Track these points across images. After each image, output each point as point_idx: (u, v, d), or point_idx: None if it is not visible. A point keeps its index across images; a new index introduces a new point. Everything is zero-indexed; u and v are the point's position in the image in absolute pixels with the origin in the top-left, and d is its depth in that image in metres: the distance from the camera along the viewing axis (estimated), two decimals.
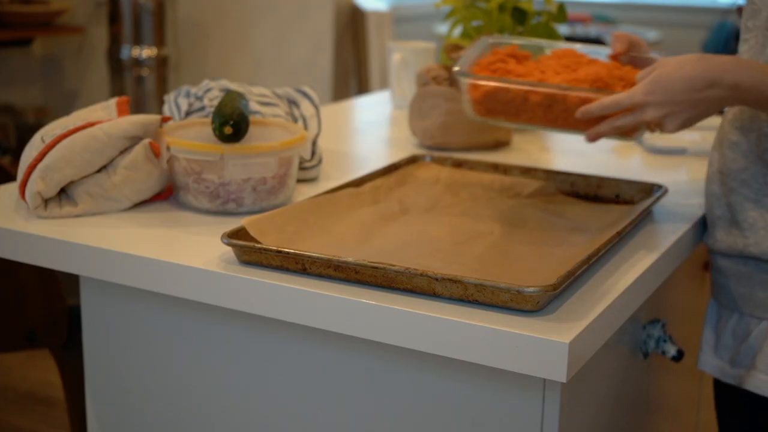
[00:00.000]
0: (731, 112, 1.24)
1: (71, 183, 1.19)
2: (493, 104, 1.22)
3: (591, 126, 1.17)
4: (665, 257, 1.15)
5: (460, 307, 0.93)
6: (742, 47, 1.23)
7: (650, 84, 1.10)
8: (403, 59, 2.03)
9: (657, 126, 1.14)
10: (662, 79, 1.09)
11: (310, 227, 1.12)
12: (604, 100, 1.13)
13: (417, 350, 0.94)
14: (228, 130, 1.19)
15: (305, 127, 1.44)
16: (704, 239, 1.29)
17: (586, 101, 1.15)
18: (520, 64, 1.27)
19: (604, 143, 1.71)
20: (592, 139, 1.17)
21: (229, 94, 1.28)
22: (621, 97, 1.12)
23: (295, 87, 1.52)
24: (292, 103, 1.48)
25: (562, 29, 4.20)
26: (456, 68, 1.23)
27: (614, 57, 1.26)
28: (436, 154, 1.51)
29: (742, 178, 1.20)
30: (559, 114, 1.19)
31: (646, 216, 1.25)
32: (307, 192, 1.31)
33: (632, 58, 1.27)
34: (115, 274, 1.08)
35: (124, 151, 1.20)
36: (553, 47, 1.33)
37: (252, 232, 1.06)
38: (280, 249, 1.00)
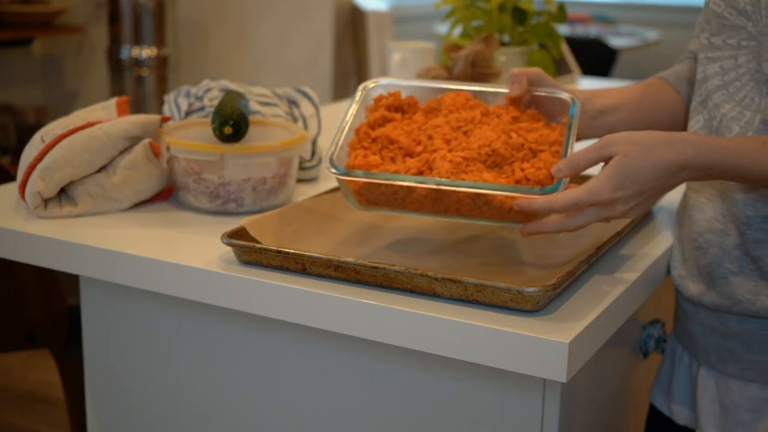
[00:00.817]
0: None
1: (71, 183, 1.19)
2: (375, 196, 1.05)
3: (496, 215, 1.02)
4: (665, 257, 1.15)
5: (460, 307, 0.93)
6: (710, 67, 1.11)
7: (617, 179, 0.96)
8: (403, 59, 2.03)
9: (619, 217, 1.00)
10: (629, 170, 0.96)
11: (310, 227, 1.12)
12: (556, 200, 0.97)
13: (417, 350, 0.94)
14: (228, 130, 1.19)
15: (305, 127, 1.44)
16: (693, 296, 1.13)
17: (479, 194, 1.00)
18: (407, 119, 1.12)
19: None
20: (530, 233, 1.02)
21: (229, 94, 1.28)
22: (579, 195, 0.96)
23: (295, 87, 1.52)
24: (292, 103, 1.48)
25: (562, 29, 4.20)
26: (328, 154, 1.05)
27: (512, 101, 1.13)
28: None
29: None
30: (451, 205, 1.03)
31: (647, 216, 1.25)
32: (307, 192, 1.31)
33: (534, 97, 1.15)
34: (115, 274, 1.08)
35: (124, 151, 1.20)
36: (445, 89, 1.17)
37: (252, 232, 1.06)
38: (280, 249, 1.00)
